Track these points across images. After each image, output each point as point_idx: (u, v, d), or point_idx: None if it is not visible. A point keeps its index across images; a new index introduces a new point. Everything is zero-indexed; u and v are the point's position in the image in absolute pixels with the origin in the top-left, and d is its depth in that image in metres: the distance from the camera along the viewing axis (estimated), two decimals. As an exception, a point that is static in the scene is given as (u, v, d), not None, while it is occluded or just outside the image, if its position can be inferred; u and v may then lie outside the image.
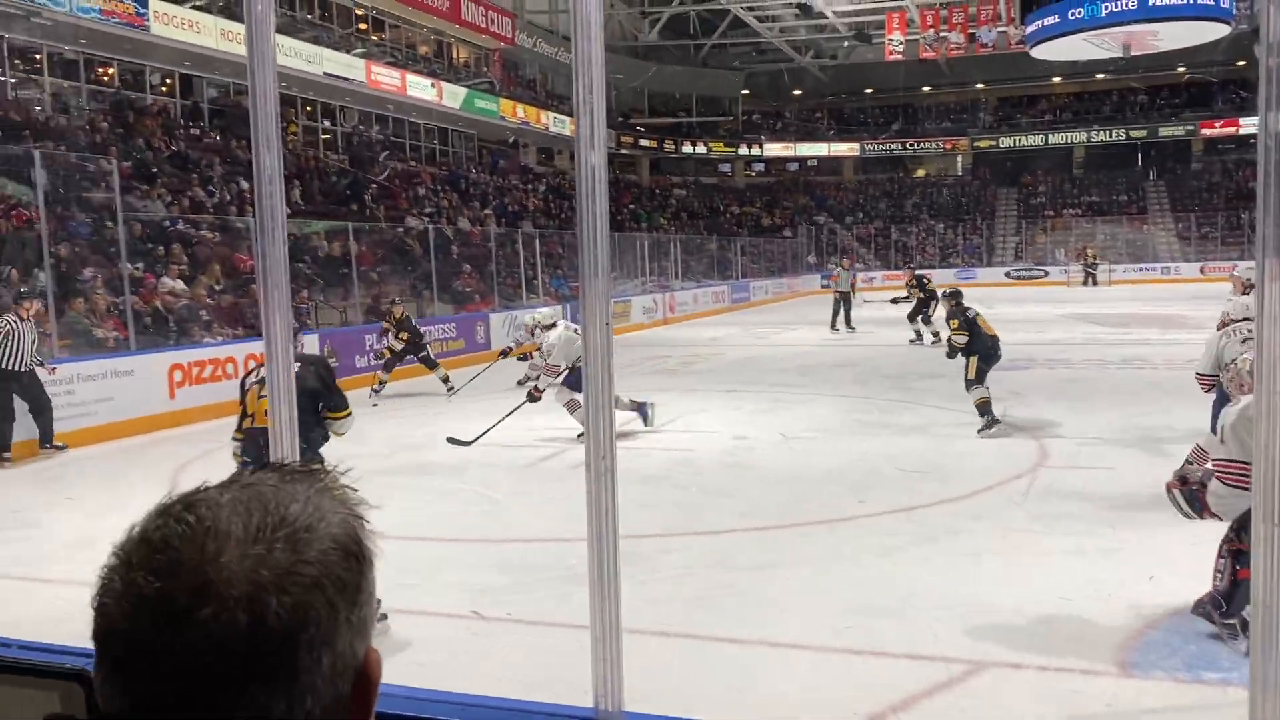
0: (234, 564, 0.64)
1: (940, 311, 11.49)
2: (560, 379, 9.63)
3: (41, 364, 9.65)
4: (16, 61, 18.82)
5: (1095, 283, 36.93)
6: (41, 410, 9.63)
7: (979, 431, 9.34)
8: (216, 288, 14.84)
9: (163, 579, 0.63)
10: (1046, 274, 39.67)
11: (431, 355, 13.60)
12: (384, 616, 4.87)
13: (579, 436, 9.37)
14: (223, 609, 0.62)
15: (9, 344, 9.22)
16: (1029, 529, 6.26)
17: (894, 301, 20.16)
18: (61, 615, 4.82)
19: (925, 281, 18.74)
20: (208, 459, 9.29)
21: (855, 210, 46.98)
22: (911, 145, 47.78)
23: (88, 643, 1.69)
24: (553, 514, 6.82)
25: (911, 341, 17.93)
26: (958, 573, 5.47)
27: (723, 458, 8.83)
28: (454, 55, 31.49)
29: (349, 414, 5.51)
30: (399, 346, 13.20)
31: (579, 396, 9.37)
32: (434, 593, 5.39)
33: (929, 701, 3.98)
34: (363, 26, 27.37)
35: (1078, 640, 4.53)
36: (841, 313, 20.57)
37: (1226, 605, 4.38)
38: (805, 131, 48.46)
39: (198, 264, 15.12)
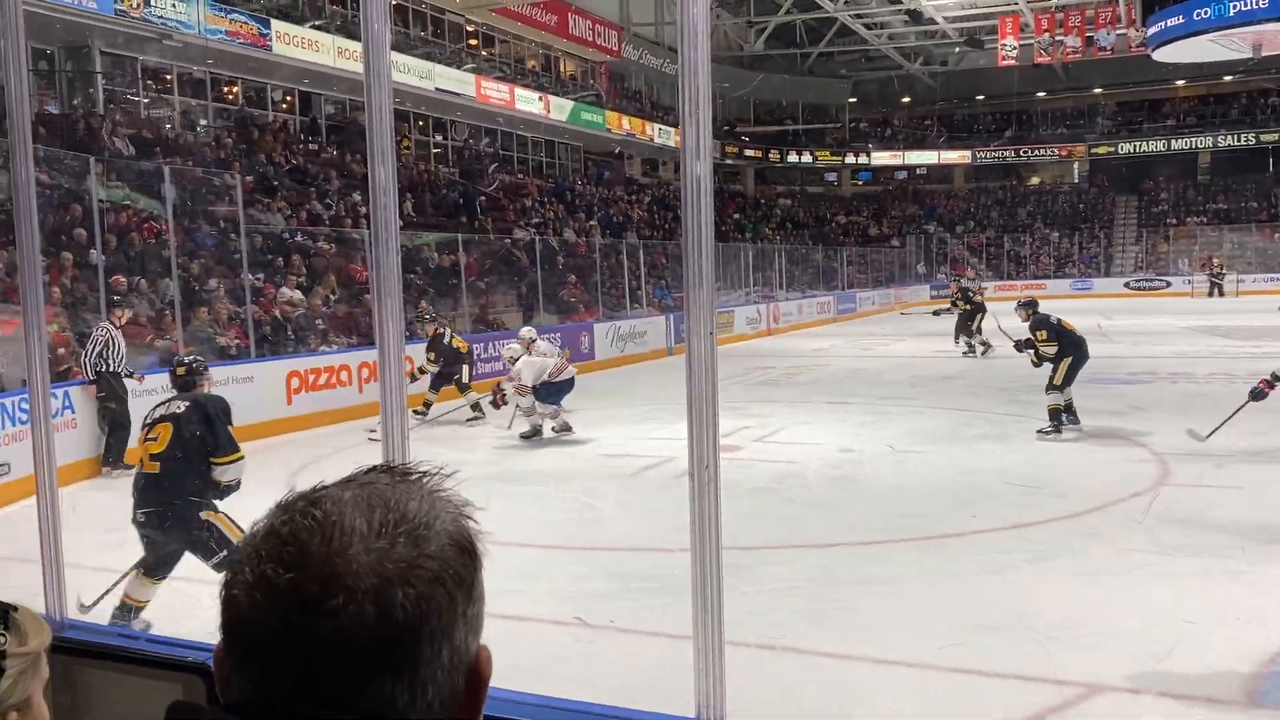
0: (360, 557, 0.66)
1: (989, 323, 11.43)
2: (530, 396, 10.59)
3: (130, 374, 9.66)
4: (149, 82, 19.81)
5: (1222, 293, 35.28)
6: (123, 424, 9.43)
7: (1039, 432, 9.64)
8: (332, 298, 15.32)
9: (293, 570, 0.66)
10: (1169, 284, 38.08)
11: (466, 380, 12.49)
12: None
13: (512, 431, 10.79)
14: (351, 600, 0.65)
15: (108, 351, 9.35)
16: (1149, 549, 6.00)
17: (935, 314, 19.48)
18: (183, 611, 5.03)
19: (971, 294, 18.62)
20: (322, 464, 9.59)
21: (966, 219, 45.91)
22: (1025, 152, 46.46)
23: (206, 638, 1.74)
24: (655, 523, 6.83)
25: (965, 354, 17.76)
26: (1073, 593, 5.28)
27: (828, 470, 8.71)
28: (561, 69, 31.95)
29: (236, 458, 4.98)
30: (432, 370, 12.27)
31: (546, 407, 10.54)
32: (536, 598, 5.44)
33: (1042, 725, 3.85)
34: (473, 42, 27.99)
35: (1202, 667, 4.31)
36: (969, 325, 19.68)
37: None
38: (914, 139, 47.60)
39: (314, 275, 15.64)
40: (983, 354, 17.39)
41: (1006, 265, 41.98)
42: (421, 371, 12.28)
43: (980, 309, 18.07)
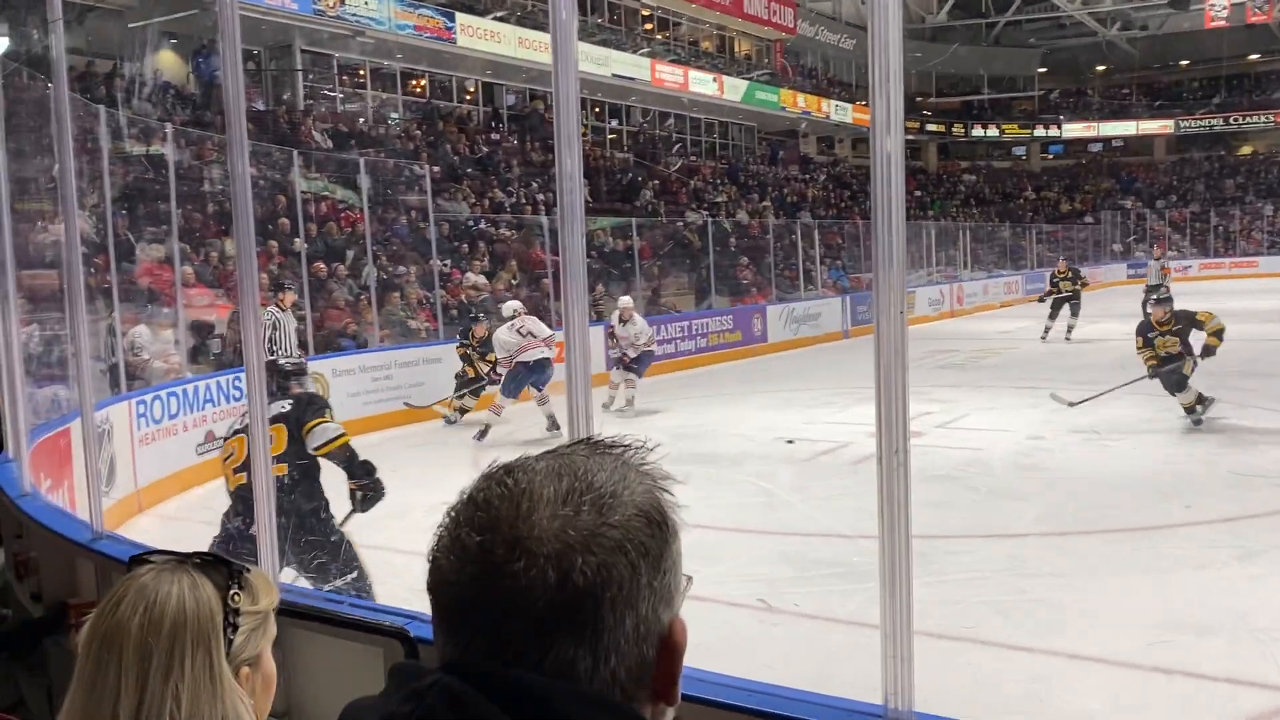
0: (544, 523, 0.68)
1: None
2: (505, 371, 10.31)
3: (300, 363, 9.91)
4: (344, 78, 20.90)
5: None
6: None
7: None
8: (514, 282, 15.79)
9: (483, 534, 0.69)
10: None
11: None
12: None
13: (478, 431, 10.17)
14: (533, 564, 0.67)
15: (276, 334, 9.28)
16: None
17: (1041, 299, 18.24)
18: (383, 576, 5.30)
19: (1079, 275, 18.05)
20: (506, 440, 9.92)
21: (1168, 193, 42.95)
22: (1236, 120, 43.02)
23: (404, 603, 1.82)
24: (834, 509, 6.74)
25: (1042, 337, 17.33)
26: (1291, 594, 4.89)
27: (1016, 458, 8.37)
28: (736, 48, 31.74)
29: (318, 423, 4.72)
30: (485, 369, 11.14)
31: (504, 399, 10.24)
32: (717, 579, 5.46)
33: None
34: (648, 26, 28.16)
35: None
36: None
37: None
38: (1111, 110, 44.84)
39: (497, 260, 16.15)
40: (1066, 339, 17.20)
41: (1213, 242, 39.09)
42: (476, 371, 11.28)
43: (1077, 295, 17.64)
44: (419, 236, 14.39)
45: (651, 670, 0.71)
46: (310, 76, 19.94)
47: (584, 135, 21.98)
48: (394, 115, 21.34)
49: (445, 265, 14.59)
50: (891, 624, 1.85)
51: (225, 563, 1.18)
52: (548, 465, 0.73)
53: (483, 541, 0.68)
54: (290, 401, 4.88)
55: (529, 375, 10.17)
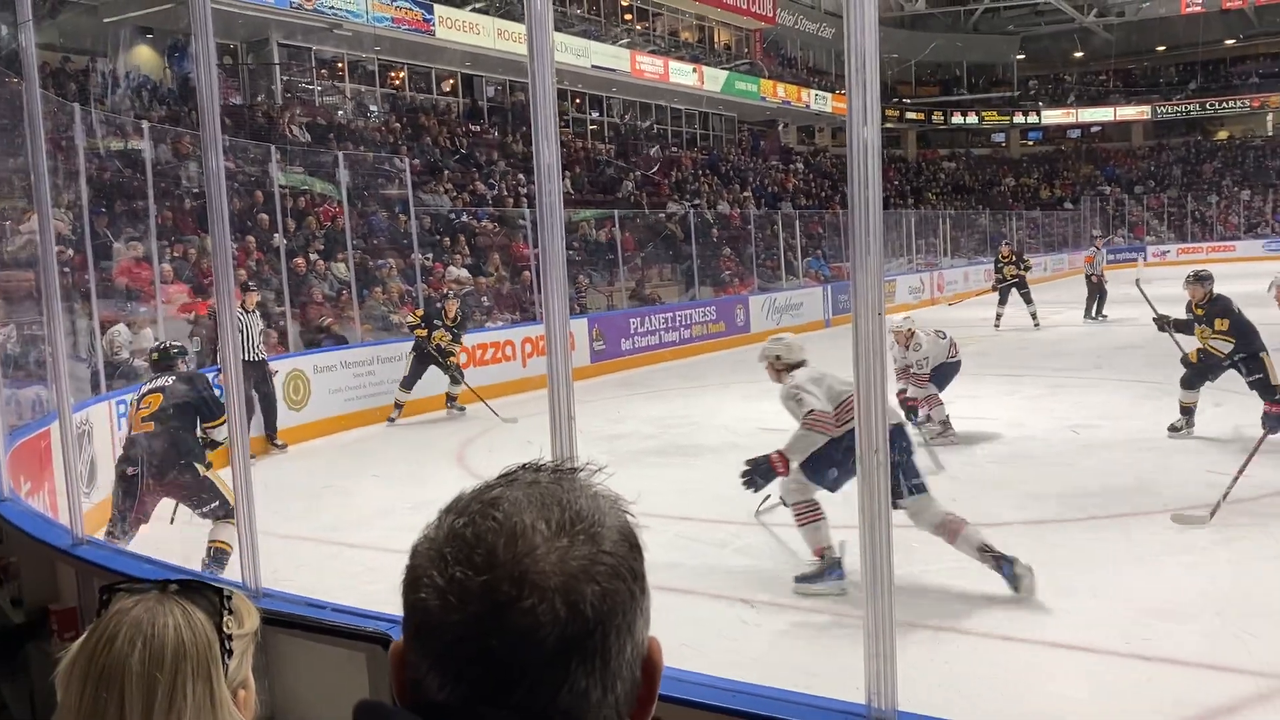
0: (546, 557, 0.68)
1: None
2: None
3: (264, 360, 9.51)
4: (323, 72, 20.76)
5: None
6: (269, 406, 9.49)
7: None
8: (500, 274, 15.75)
9: (484, 573, 0.68)
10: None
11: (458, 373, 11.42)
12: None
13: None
14: (543, 599, 0.66)
15: (239, 336, 8.70)
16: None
17: (993, 288, 18.32)
18: (368, 576, 5.28)
19: (1023, 258, 18.17)
20: (489, 436, 9.90)
21: (1145, 179, 43.20)
22: (1212, 105, 43.31)
23: (386, 604, 1.80)
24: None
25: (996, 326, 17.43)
26: (1273, 579, 4.93)
27: (998, 447, 8.42)
28: (715, 39, 31.70)
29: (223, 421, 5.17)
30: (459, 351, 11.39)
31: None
32: (699, 574, 5.48)
33: (1234, 718, 3.62)
34: (628, 17, 28.09)
35: None
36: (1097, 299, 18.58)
37: None
38: (1089, 96, 45.04)
39: (479, 253, 16.11)
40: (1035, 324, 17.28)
41: (1190, 226, 39.35)
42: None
43: (1023, 280, 17.73)
44: (399, 230, 14.33)
45: (640, 690, 0.72)
46: (288, 71, 19.80)
47: (564, 127, 21.88)
48: (373, 109, 21.22)
49: (427, 259, 14.53)
50: (874, 622, 1.85)
51: (213, 589, 1.18)
52: (527, 495, 0.72)
53: (486, 581, 0.67)
54: (177, 379, 5.96)
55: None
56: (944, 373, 8.97)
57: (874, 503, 1.86)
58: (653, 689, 0.73)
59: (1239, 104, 43.05)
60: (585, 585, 0.67)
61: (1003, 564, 4.81)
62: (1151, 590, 4.87)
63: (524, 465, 0.77)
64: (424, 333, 11.04)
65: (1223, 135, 44.79)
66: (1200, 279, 8.55)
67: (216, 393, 5.89)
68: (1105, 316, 18.33)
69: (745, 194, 27.17)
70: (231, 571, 4.92)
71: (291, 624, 2.45)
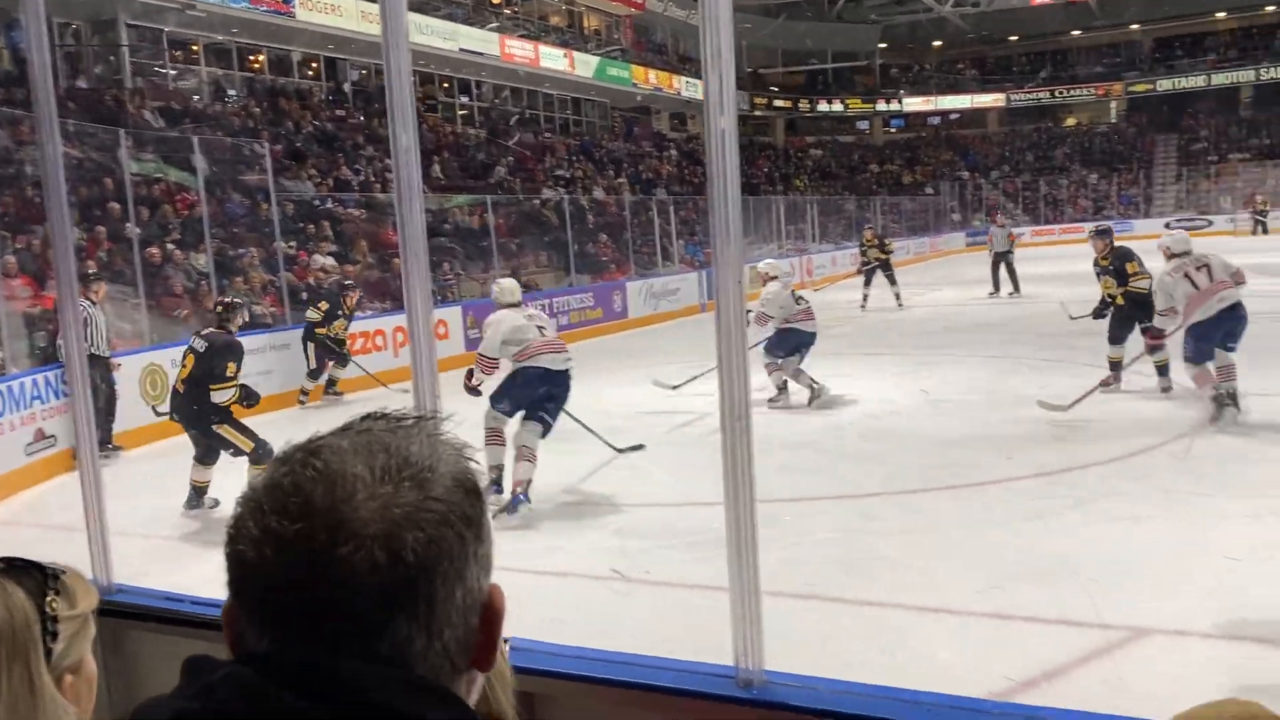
0: (366, 504, 0.66)
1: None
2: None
3: (109, 357, 9.05)
4: (176, 53, 19.87)
5: (1266, 231, 34.39)
6: (109, 405, 8.93)
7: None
8: (368, 262, 15.39)
9: (299, 521, 0.65)
10: (1211, 223, 37.21)
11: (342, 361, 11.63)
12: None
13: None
14: (360, 547, 0.64)
15: (88, 330, 8.35)
16: (1194, 490, 5.93)
17: (858, 272, 19.15)
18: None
19: (885, 243, 18.80)
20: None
21: (1001, 164, 45.12)
22: (1061, 93, 45.48)
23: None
24: (696, 478, 6.83)
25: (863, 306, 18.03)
26: (1116, 537, 5.23)
27: (867, 422, 8.67)
28: (585, 24, 31.63)
29: (226, 387, 6.67)
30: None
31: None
32: (577, 554, 5.49)
33: (1084, 669, 3.82)
34: (496, 1, 27.76)
35: (1249, 608, 4.26)
36: (1003, 273, 19.26)
37: None
38: (947, 84, 46.72)
39: (346, 241, 15.71)
40: (899, 304, 17.92)
41: (1043, 209, 41.27)
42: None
43: (888, 263, 18.35)
44: (260, 218, 13.85)
45: (477, 638, 0.71)
46: (138, 53, 18.87)
47: (432, 112, 21.49)
48: (231, 92, 20.44)
49: (291, 248, 14.09)
50: (740, 586, 1.89)
51: (38, 567, 1.11)
52: (354, 443, 0.70)
53: (301, 529, 0.65)
54: (209, 346, 6.71)
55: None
56: (791, 339, 9.44)
57: (736, 469, 1.89)
58: (493, 636, 0.72)
59: (1085, 92, 45.31)
60: (408, 532, 0.66)
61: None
62: (1008, 552, 5.10)
63: (365, 415, 0.75)
64: (324, 331, 11.37)
65: (1071, 122, 47.08)
66: (1101, 233, 9.34)
67: (233, 363, 6.70)
68: (1017, 293, 18.73)
69: (620, 180, 27.24)
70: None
71: (148, 618, 2.35)
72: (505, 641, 1.69)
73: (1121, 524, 5.43)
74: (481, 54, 25.09)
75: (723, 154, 1.85)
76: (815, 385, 9.31)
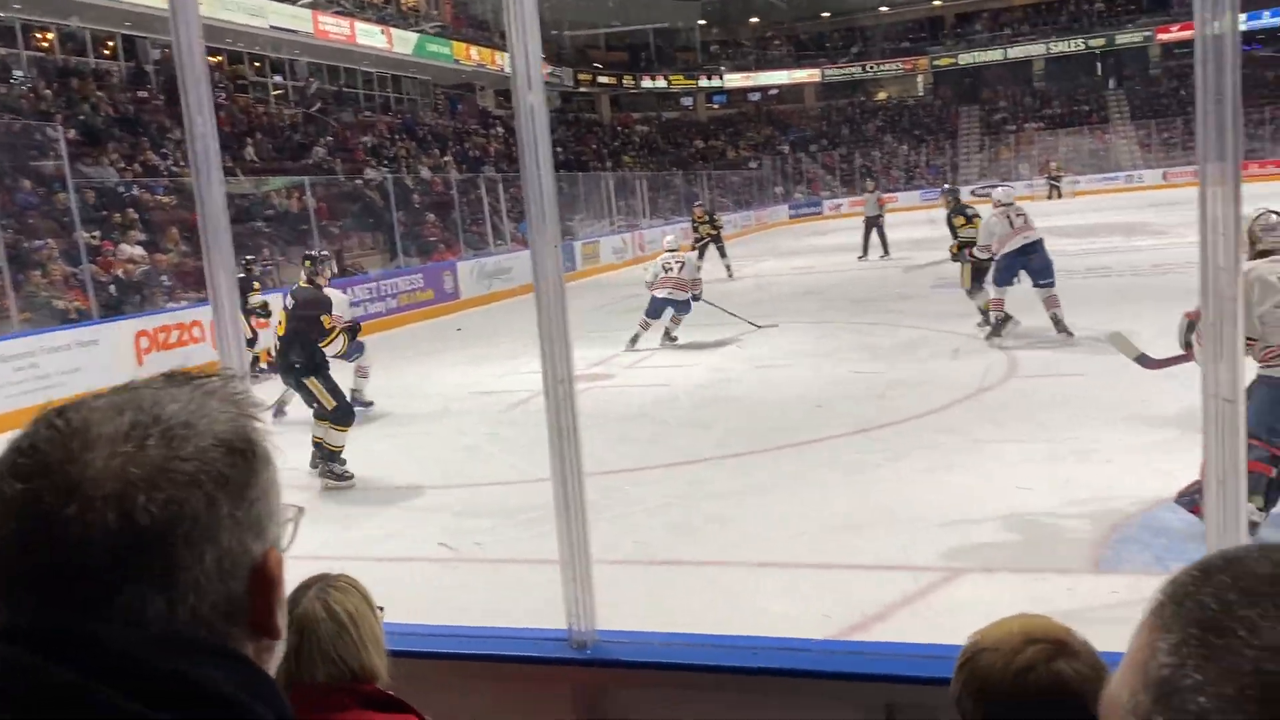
0: (102, 462, 0.64)
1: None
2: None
3: None
4: (-50, 32, 18.29)
5: (1060, 195, 36.90)
6: None
7: (989, 338, 9.62)
8: (180, 250, 14.63)
9: (28, 481, 0.63)
10: (1012, 189, 39.64)
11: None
12: (349, 476, 6.62)
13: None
14: (89, 508, 0.62)
15: None
16: (1000, 438, 6.35)
17: (693, 247, 19.86)
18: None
19: (714, 218, 19.58)
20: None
21: (819, 138, 46.69)
22: (872, 68, 47.38)
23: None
24: (533, 456, 6.83)
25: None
26: (931, 486, 5.55)
27: (699, 390, 8.88)
28: (403, 0, 30.82)
29: (329, 341, 7.00)
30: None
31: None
32: (417, 540, 5.43)
33: (906, 610, 4.06)
34: (306, -25, 26.67)
35: (1052, 543, 4.63)
36: (874, 238, 20.08)
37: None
38: (765, 60, 47.92)
39: (155, 229, 14.88)
40: (729, 275, 18.45)
41: (859, 180, 43.00)
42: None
43: (719, 237, 19.04)
44: (57, 207, 12.95)
45: (246, 604, 0.68)
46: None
47: (242, 92, 20.51)
48: (17, 73, 18.95)
49: (94, 237, 13.25)
50: (569, 549, 1.93)
51: None
52: (109, 402, 0.68)
53: (27, 489, 0.63)
54: (295, 302, 7.06)
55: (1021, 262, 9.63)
56: (657, 304, 11.35)
57: (563, 435, 1.93)
58: (269, 601, 0.70)
59: (894, 67, 47.35)
60: (143, 493, 0.63)
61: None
62: (832, 505, 5.35)
63: (161, 373, 0.72)
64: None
65: (882, 96, 49.14)
66: (946, 192, 11.48)
67: (324, 315, 6.97)
68: (887, 255, 19.54)
69: (446, 159, 26.76)
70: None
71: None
72: (381, 609, 1.69)
73: (935, 473, 5.77)
74: (294, 31, 24.09)
75: (533, 130, 1.87)
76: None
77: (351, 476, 6.66)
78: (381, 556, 5.13)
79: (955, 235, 10.67)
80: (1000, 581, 4.28)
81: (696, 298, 11.59)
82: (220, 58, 23.17)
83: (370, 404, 9.12)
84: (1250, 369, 4.53)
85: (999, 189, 10.44)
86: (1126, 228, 20.88)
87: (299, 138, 22.65)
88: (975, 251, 9.89)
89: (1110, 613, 3.63)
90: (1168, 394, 6.14)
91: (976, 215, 10.45)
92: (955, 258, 10.60)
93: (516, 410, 8.59)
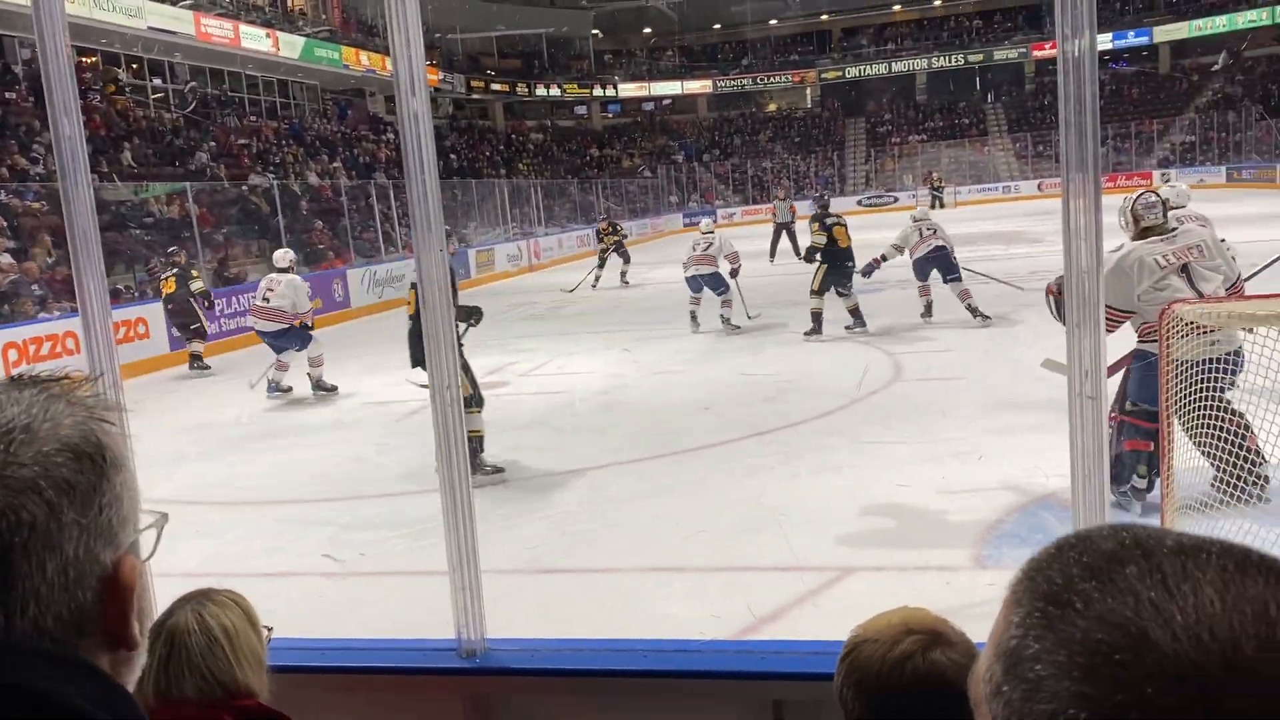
0: None
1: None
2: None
3: None
4: None
5: (942, 205, 38.02)
6: None
7: (805, 335, 10.68)
8: (49, 260, 13.99)
9: None
10: (896, 199, 40.76)
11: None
12: (500, 469, 6.26)
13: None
14: None
15: None
16: (886, 440, 6.51)
17: (601, 257, 20.07)
18: None
19: (618, 228, 20.14)
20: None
21: (712, 147, 47.28)
22: (762, 80, 48.23)
23: None
24: (426, 465, 6.74)
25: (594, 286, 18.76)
26: (822, 487, 5.66)
27: (597, 397, 8.88)
28: (290, 3, 30.12)
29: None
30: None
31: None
32: (303, 553, 5.30)
33: (798, 609, 4.13)
34: (187, -24, 25.83)
35: (937, 540, 4.76)
36: (785, 242, 20.42)
37: (1114, 477, 4.61)
38: (658, 70, 48.33)
39: (24, 236, 14.20)
40: (624, 281, 18.95)
41: (751, 190, 43.65)
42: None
43: (622, 245, 19.48)
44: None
45: (96, 614, 0.66)
46: None
47: (120, 95, 19.75)
48: None
49: (-43, 246, 12.58)
50: (458, 555, 1.91)
51: None
52: None
53: None
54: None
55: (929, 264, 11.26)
56: (691, 283, 12.22)
57: (449, 439, 1.91)
58: (121, 612, 0.67)
59: (783, 79, 48.30)
60: None
61: None
62: (728, 509, 5.41)
63: (7, 378, 0.69)
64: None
65: (772, 107, 50.06)
66: (816, 199, 12.54)
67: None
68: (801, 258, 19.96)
69: (335, 165, 26.22)
70: None
71: None
72: (269, 629, 1.64)
73: (827, 474, 5.89)
74: (174, 33, 23.30)
75: (417, 135, 1.85)
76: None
77: (503, 469, 6.34)
78: (265, 571, 4.99)
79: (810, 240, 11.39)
80: (888, 578, 4.39)
81: (734, 273, 11.99)
82: (95, 58, 22.27)
83: (290, 389, 9.98)
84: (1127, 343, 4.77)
85: (919, 208, 12.50)
86: (1005, 236, 21.69)
87: (180, 142, 21.91)
88: (885, 252, 11.44)
89: (988, 607, 3.74)
90: (1040, 394, 6.40)
91: (839, 224, 11.00)
92: (806, 259, 11.42)
93: (411, 419, 8.46)
